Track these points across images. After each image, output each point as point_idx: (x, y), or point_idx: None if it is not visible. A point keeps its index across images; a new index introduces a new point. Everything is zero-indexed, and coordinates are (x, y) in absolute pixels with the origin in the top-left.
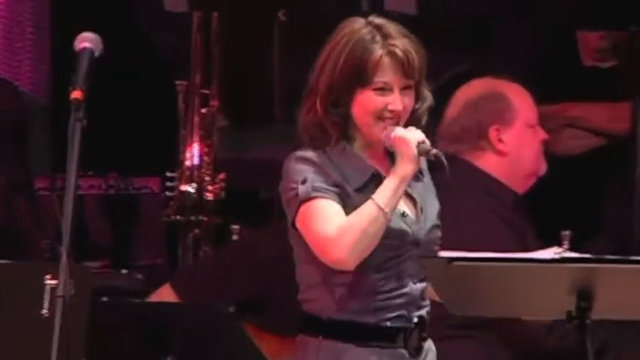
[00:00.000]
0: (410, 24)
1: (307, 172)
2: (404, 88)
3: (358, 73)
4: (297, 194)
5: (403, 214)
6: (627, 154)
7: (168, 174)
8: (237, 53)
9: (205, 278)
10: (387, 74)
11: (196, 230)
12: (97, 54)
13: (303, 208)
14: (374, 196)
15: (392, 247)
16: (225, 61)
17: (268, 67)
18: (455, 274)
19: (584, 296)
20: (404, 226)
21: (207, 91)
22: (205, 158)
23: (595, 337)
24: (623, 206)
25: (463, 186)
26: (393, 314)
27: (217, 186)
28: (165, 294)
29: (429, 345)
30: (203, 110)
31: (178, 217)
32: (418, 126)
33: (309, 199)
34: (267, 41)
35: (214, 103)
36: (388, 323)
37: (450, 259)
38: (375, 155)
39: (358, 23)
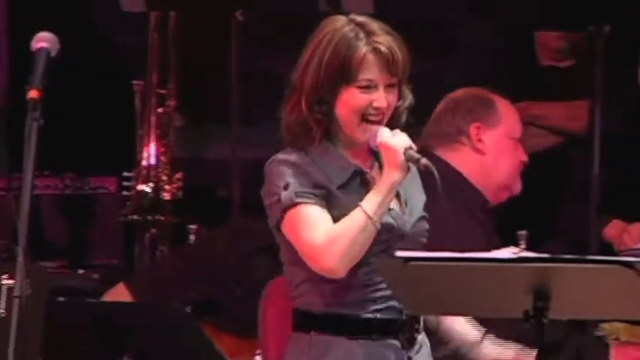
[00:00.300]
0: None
1: (289, 175)
2: (388, 86)
3: (343, 71)
4: (279, 200)
5: (389, 209)
6: (585, 152)
7: (125, 174)
8: (194, 53)
9: (160, 278)
10: (371, 71)
11: (153, 230)
12: (53, 54)
13: (288, 215)
14: (362, 204)
15: (380, 242)
16: (182, 61)
17: (225, 67)
18: (411, 274)
19: (541, 296)
20: (390, 220)
21: (164, 91)
22: (162, 158)
23: (554, 334)
24: (580, 205)
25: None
26: (383, 306)
27: (174, 185)
28: (119, 293)
29: (423, 338)
30: (160, 110)
31: (135, 217)
32: (398, 124)
33: (292, 205)
34: (224, 41)
35: (171, 102)
36: (378, 315)
37: (406, 258)
38: (357, 154)
39: (340, 21)
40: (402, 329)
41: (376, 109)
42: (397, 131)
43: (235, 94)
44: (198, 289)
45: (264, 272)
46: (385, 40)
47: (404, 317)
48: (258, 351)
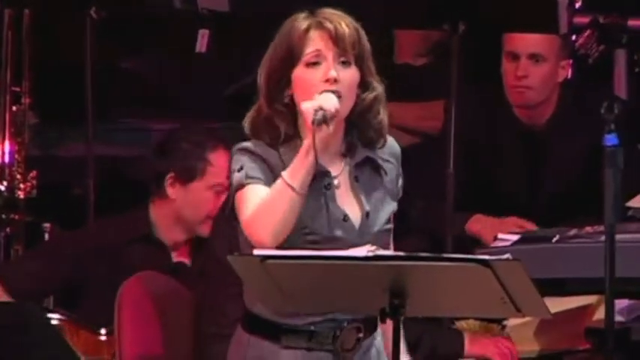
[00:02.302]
0: (222, 21)
1: (244, 161)
2: (340, 63)
3: (289, 52)
4: (231, 183)
5: (344, 218)
6: (440, 151)
7: None
8: (49, 51)
9: (29, 265)
10: (315, 44)
11: (7, 229)
12: None
13: (237, 196)
14: (282, 172)
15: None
16: (36, 58)
17: (80, 64)
18: (269, 272)
19: (397, 293)
20: (338, 233)
21: (18, 89)
22: (16, 156)
23: (410, 331)
24: (435, 203)
25: None
26: (321, 318)
27: (28, 184)
28: None
29: (371, 342)
30: (14, 108)
31: None
32: (368, 117)
33: (241, 186)
34: (79, 38)
35: (25, 100)
36: (312, 327)
37: (263, 257)
38: (328, 155)
39: (298, 14)
40: (338, 339)
41: (326, 81)
42: (326, 94)
43: (90, 92)
44: (64, 274)
45: (138, 260)
46: (330, 15)
47: (345, 326)
48: None
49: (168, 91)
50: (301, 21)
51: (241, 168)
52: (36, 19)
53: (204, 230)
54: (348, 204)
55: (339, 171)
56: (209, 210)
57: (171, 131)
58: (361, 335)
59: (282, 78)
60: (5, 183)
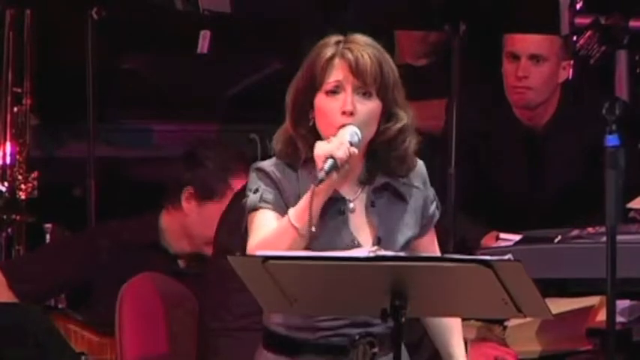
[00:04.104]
0: (225, 22)
1: (260, 184)
2: (359, 94)
3: (312, 78)
4: (245, 203)
5: (354, 243)
6: (442, 151)
7: None
8: (50, 51)
9: (36, 266)
10: (336, 74)
11: (9, 229)
12: None
13: (249, 218)
14: (289, 211)
15: None
16: (37, 59)
17: (81, 65)
18: (270, 273)
19: (399, 295)
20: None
21: (19, 90)
22: (18, 157)
23: (413, 333)
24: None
25: None
26: (332, 332)
27: (30, 185)
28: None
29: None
30: (15, 109)
31: None
32: (391, 147)
33: (254, 209)
34: (80, 39)
35: (27, 101)
36: (322, 341)
37: (265, 257)
38: (345, 180)
39: (329, 39)
40: (351, 354)
41: (343, 113)
42: (348, 128)
43: (91, 93)
44: (70, 275)
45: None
46: (356, 47)
47: (357, 340)
48: None
49: (169, 92)
50: (329, 47)
51: (257, 190)
52: (37, 20)
53: (209, 251)
54: (361, 229)
55: (355, 196)
56: None
57: (200, 143)
58: (376, 350)
59: (306, 101)
60: (6, 184)
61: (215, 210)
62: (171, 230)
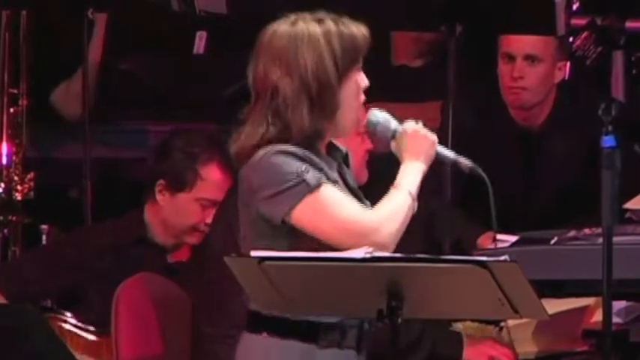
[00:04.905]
0: (221, 23)
1: (301, 163)
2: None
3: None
4: (300, 182)
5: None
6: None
7: None
8: (46, 52)
9: (26, 271)
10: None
11: (5, 230)
12: None
13: (313, 196)
14: (404, 185)
15: None
16: (34, 60)
17: (78, 65)
18: (266, 274)
19: (395, 295)
20: None
21: (15, 91)
22: (14, 158)
23: (410, 333)
24: (434, 205)
25: None
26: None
27: (26, 185)
28: None
29: None
30: (12, 109)
31: None
32: None
33: (319, 185)
34: (76, 40)
35: (23, 102)
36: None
37: (261, 258)
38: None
39: (308, 24)
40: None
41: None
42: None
43: (87, 94)
44: (62, 279)
45: (134, 262)
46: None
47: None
48: None
49: (166, 93)
50: (351, 27)
51: (307, 169)
52: (33, 20)
53: (192, 239)
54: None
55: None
56: (195, 222)
57: (171, 134)
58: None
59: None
60: (3, 185)
61: (187, 200)
62: (154, 224)
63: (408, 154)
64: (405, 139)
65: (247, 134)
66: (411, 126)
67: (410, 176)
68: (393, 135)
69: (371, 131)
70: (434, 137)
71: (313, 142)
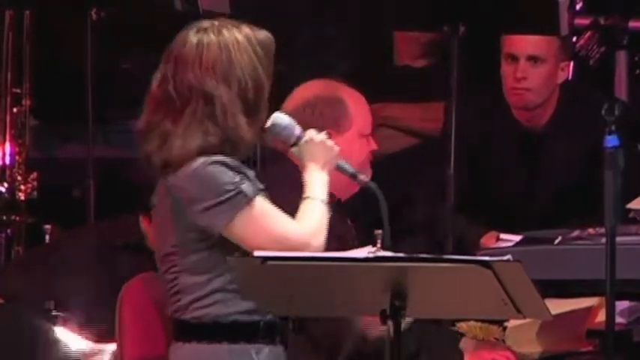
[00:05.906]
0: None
1: (235, 173)
2: None
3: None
4: (238, 194)
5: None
6: (440, 153)
7: None
8: (49, 52)
9: (19, 274)
10: None
11: (8, 230)
12: None
13: (249, 207)
14: (319, 196)
15: None
16: (37, 60)
17: (80, 66)
18: (269, 274)
19: (398, 295)
20: None
21: (18, 90)
22: (17, 158)
23: (408, 345)
24: (436, 205)
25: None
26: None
27: (29, 185)
28: None
29: None
30: (15, 109)
31: None
32: None
33: (254, 197)
34: (79, 40)
35: (26, 102)
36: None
37: (264, 258)
38: None
39: (230, 31)
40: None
41: None
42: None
43: (90, 94)
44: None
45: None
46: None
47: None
48: None
49: None
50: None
51: (243, 179)
52: (36, 21)
53: None
54: None
55: None
56: None
57: None
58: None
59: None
60: (6, 184)
61: None
62: (150, 235)
63: (314, 163)
64: (312, 147)
65: (180, 144)
66: (318, 136)
67: (321, 186)
68: (296, 141)
69: (275, 132)
70: (337, 149)
71: (245, 151)
